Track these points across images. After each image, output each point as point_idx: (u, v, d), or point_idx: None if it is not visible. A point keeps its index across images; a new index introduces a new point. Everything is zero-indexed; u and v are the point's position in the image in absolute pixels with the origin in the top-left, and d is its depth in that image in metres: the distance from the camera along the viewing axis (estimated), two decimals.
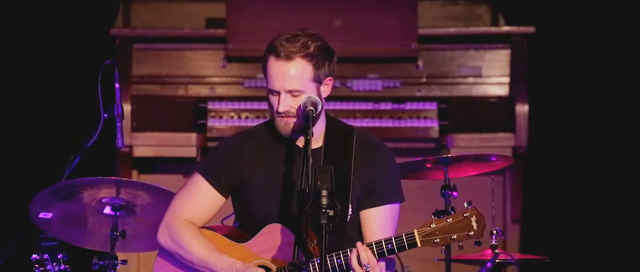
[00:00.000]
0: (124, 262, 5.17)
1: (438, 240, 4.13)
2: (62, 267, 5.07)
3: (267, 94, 4.38)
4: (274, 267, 4.29)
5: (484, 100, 7.99)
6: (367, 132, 4.52)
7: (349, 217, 4.32)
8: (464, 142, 7.81)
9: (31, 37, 7.91)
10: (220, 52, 8.00)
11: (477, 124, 7.83)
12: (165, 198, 5.02)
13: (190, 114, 7.90)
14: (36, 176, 6.76)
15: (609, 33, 7.92)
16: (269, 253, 4.30)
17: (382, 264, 4.19)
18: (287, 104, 4.27)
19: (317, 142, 4.37)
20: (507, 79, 7.99)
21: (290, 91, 4.28)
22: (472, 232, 4.13)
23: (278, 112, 4.28)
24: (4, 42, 7.86)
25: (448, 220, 4.13)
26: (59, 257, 5.07)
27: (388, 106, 7.87)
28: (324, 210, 3.88)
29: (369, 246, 4.14)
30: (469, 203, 4.15)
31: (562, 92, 7.98)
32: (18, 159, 7.81)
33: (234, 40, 7.90)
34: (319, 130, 4.36)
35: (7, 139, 7.82)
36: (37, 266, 5.06)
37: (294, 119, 4.29)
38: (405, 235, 4.14)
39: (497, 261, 5.78)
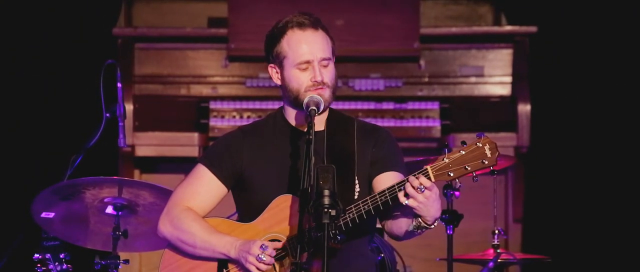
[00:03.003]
0: (126, 261, 5.16)
1: (452, 173, 4.04)
2: (64, 266, 5.07)
3: (282, 78, 4.36)
4: (284, 238, 4.24)
5: (486, 100, 7.99)
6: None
7: (357, 193, 4.30)
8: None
9: (33, 36, 7.91)
10: (222, 52, 8.00)
11: (479, 124, 7.82)
12: (167, 198, 5.02)
13: (192, 114, 7.90)
14: (38, 176, 6.77)
15: (610, 33, 7.92)
16: (279, 225, 4.26)
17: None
18: (322, 73, 4.30)
19: (319, 125, 4.38)
20: (509, 79, 7.99)
21: (323, 59, 4.31)
22: (487, 161, 4.04)
23: (316, 81, 4.29)
24: (6, 41, 7.86)
25: (461, 152, 4.04)
26: (61, 256, 5.08)
27: (390, 106, 7.87)
28: (326, 210, 3.87)
29: (381, 192, 4.11)
30: (481, 134, 4.10)
31: (564, 91, 7.98)
32: (20, 158, 7.81)
33: (235, 39, 7.90)
34: (323, 113, 4.38)
35: (9, 138, 7.82)
36: (39, 265, 5.07)
37: (328, 90, 4.31)
38: (418, 173, 4.07)
39: (499, 260, 5.77)
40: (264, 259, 4.14)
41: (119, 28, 8.00)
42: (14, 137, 7.84)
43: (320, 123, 4.39)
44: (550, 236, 7.85)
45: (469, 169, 4.05)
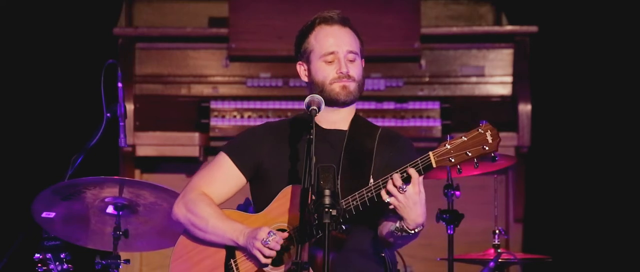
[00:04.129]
0: (127, 261, 5.16)
1: (453, 159, 4.10)
2: (65, 266, 5.07)
3: (309, 72, 4.42)
4: (290, 227, 4.26)
5: (487, 100, 7.98)
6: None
7: None
8: None
9: (34, 36, 7.91)
10: (222, 52, 8.00)
11: (479, 124, 7.81)
12: (168, 197, 5.03)
13: (193, 114, 7.90)
14: (39, 175, 6.76)
15: (612, 32, 7.91)
16: (286, 215, 4.29)
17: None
18: (348, 66, 4.35)
19: (342, 124, 4.44)
20: (509, 79, 7.99)
21: (350, 52, 4.38)
22: (487, 147, 4.09)
23: (341, 74, 4.35)
24: (7, 41, 7.86)
25: (463, 138, 4.10)
26: (61, 256, 5.08)
27: (391, 105, 7.87)
28: (327, 209, 3.88)
29: (384, 178, 4.12)
30: (483, 121, 4.13)
31: (564, 91, 7.97)
32: (21, 158, 7.81)
33: (236, 39, 7.90)
34: (348, 113, 4.45)
35: (9, 138, 7.82)
36: (39, 265, 5.07)
37: (353, 83, 4.37)
38: (420, 159, 4.13)
39: (499, 260, 5.77)
40: (270, 244, 4.18)
41: (119, 28, 8.00)
42: (14, 137, 7.84)
43: (344, 122, 4.46)
44: (551, 235, 7.85)
45: (470, 154, 4.10)
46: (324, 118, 4.42)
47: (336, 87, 4.37)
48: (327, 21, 4.44)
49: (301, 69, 4.49)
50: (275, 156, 4.43)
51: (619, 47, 7.90)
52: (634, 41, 7.87)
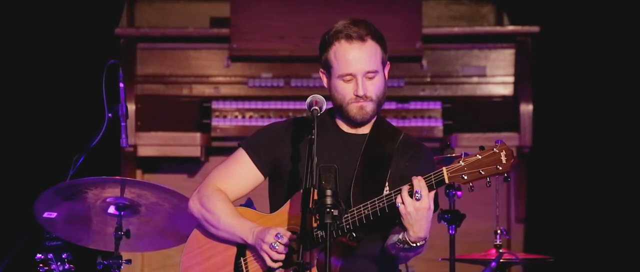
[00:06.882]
0: (128, 261, 5.17)
1: (466, 176, 4.10)
2: (67, 266, 5.08)
3: (329, 86, 4.42)
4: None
5: (488, 100, 7.98)
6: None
7: None
8: (468, 142, 7.81)
9: (36, 36, 7.91)
10: (224, 52, 8.00)
11: (481, 124, 7.82)
12: (169, 198, 5.03)
13: (194, 114, 7.90)
14: (40, 176, 6.76)
15: (613, 32, 7.91)
16: (299, 217, 4.25)
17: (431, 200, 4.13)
18: (365, 87, 4.33)
19: (365, 128, 4.44)
20: (511, 79, 7.98)
21: (368, 72, 4.33)
22: (501, 167, 4.10)
23: (357, 96, 4.33)
24: (8, 41, 7.87)
25: (477, 156, 4.11)
26: (63, 256, 5.08)
27: (392, 106, 7.87)
28: (328, 210, 3.88)
29: (396, 190, 4.12)
30: (499, 140, 4.14)
31: (566, 91, 7.97)
32: (22, 158, 7.82)
33: (238, 39, 7.90)
34: (371, 117, 4.44)
35: (11, 138, 7.82)
36: (41, 265, 5.08)
37: (371, 104, 4.36)
38: (433, 173, 4.12)
39: (501, 260, 5.77)
40: (278, 248, 4.18)
41: (121, 28, 8.00)
42: (16, 137, 7.84)
43: (366, 127, 4.45)
44: (553, 236, 7.85)
45: (483, 173, 4.10)
46: (347, 124, 4.43)
47: (353, 108, 4.36)
48: (348, 38, 4.34)
49: (323, 77, 4.47)
50: (297, 150, 4.42)
51: (621, 47, 7.90)
52: (636, 41, 7.87)
